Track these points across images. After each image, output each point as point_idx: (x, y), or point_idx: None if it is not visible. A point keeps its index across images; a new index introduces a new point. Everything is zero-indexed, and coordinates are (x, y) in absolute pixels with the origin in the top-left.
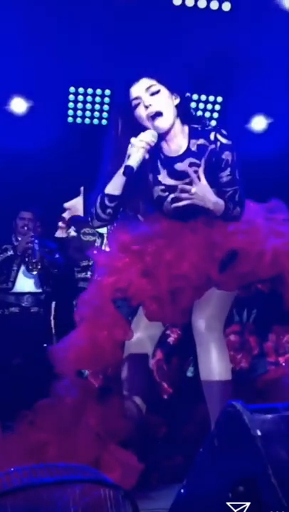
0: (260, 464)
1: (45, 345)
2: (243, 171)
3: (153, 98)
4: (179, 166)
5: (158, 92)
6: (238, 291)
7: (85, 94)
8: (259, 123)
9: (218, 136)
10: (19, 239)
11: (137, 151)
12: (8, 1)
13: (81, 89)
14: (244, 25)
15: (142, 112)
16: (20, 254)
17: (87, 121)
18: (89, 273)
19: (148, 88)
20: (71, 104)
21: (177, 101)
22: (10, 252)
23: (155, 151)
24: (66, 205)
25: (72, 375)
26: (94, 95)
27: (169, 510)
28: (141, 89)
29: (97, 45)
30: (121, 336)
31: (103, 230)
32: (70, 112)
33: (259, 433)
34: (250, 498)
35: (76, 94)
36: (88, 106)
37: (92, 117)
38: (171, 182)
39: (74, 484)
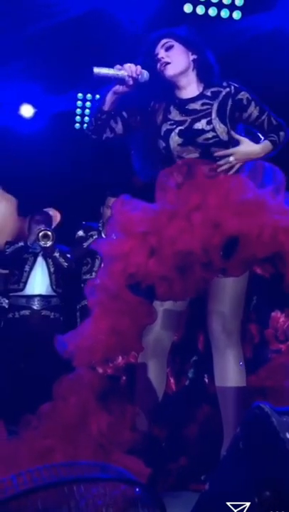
0: None
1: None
2: None
3: (166, 53)
4: (191, 106)
5: (171, 47)
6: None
7: (93, 101)
8: None
9: (231, 83)
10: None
11: (116, 69)
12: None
13: (89, 96)
14: (254, 34)
15: (158, 65)
16: (31, 245)
17: None
18: (94, 274)
19: (163, 45)
20: (78, 111)
21: (194, 56)
22: (20, 244)
23: (170, 97)
24: None
25: (86, 367)
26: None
27: None
28: (159, 46)
29: (106, 52)
30: (145, 318)
31: None
32: (78, 118)
33: (288, 436)
34: (277, 503)
35: (84, 100)
36: None
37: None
38: (180, 118)
39: (104, 482)
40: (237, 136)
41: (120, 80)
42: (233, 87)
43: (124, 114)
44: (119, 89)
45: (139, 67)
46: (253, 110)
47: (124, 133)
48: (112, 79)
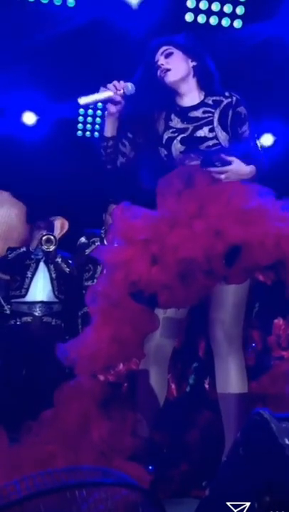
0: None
1: None
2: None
3: (166, 60)
4: (193, 113)
5: (171, 54)
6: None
7: (94, 109)
8: (267, 139)
9: (233, 93)
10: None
11: (102, 92)
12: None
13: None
14: (255, 42)
15: (158, 72)
16: (33, 251)
17: (96, 134)
18: (95, 281)
19: (163, 52)
20: (80, 118)
21: (193, 63)
22: (23, 249)
23: (171, 105)
24: None
25: (88, 374)
26: (104, 109)
27: None
28: (159, 54)
29: (108, 60)
30: (147, 326)
31: None
32: (80, 126)
33: (287, 442)
34: (277, 508)
35: (86, 108)
36: (98, 120)
37: (101, 131)
38: (182, 125)
39: (106, 487)
40: (228, 158)
41: (109, 100)
42: (234, 98)
43: (129, 134)
44: (112, 109)
45: (121, 82)
46: (246, 130)
47: (135, 154)
48: (100, 102)
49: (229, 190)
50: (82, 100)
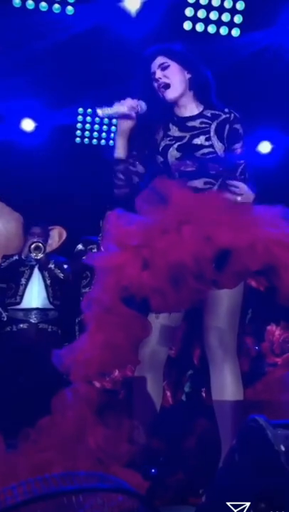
0: (284, 480)
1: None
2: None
3: (163, 72)
4: (190, 123)
5: (168, 67)
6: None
7: (93, 115)
8: (265, 147)
9: (232, 111)
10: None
11: (118, 106)
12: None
13: (89, 110)
14: (253, 50)
15: (155, 84)
16: (25, 258)
17: (94, 141)
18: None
19: (160, 64)
20: (79, 125)
21: (189, 76)
22: (15, 257)
23: (168, 116)
24: None
25: (83, 381)
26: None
27: None
28: (155, 65)
29: (106, 68)
30: (140, 332)
31: None
32: (78, 133)
33: (283, 448)
34: None
35: (84, 115)
36: (96, 127)
37: (99, 138)
38: (179, 134)
39: (103, 492)
40: (236, 183)
41: (124, 116)
42: (233, 115)
43: (134, 152)
44: (124, 126)
45: (135, 101)
46: (239, 148)
47: (145, 169)
48: (116, 116)
49: (219, 196)
50: (101, 112)
